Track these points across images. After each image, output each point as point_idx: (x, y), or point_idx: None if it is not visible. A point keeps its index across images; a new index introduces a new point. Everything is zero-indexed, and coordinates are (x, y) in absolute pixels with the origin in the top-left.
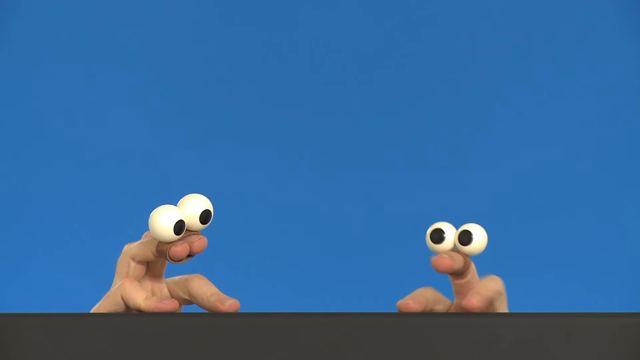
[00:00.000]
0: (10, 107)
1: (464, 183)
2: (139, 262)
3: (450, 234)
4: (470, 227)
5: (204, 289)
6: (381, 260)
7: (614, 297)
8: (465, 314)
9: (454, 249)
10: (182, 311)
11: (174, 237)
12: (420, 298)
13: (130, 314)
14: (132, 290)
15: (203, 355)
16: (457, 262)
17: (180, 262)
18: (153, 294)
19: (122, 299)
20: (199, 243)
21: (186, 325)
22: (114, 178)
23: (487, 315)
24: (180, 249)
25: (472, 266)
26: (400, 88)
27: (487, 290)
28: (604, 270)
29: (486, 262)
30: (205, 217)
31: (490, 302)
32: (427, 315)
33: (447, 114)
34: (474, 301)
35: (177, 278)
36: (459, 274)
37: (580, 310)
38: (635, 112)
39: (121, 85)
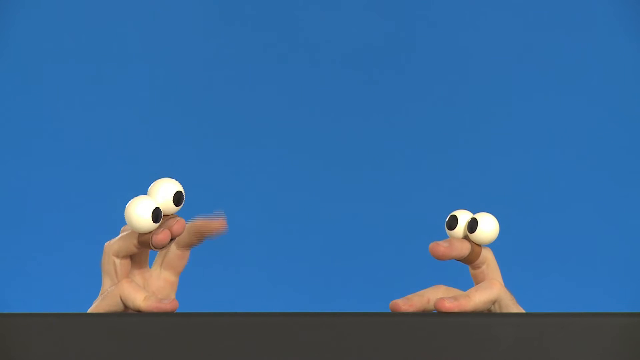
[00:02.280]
0: (10, 107)
1: (464, 183)
2: (123, 257)
3: (464, 221)
4: (480, 215)
5: (133, 297)
6: (381, 260)
7: (614, 296)
8: (465, 314)
9: (463, 238)
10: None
11: (154, 226)
12: (416, 299)
13: (130, 314)
14: (131, 290)
15: (203, 355)
16: (456, 250)
17: (164, 249)
18: (144, 286)
19: (121, 300)
20: (178, 225)
21: (186, 325)
22: (114, 178)
23: (487, 315)
24: (162, 237)
25: (489, 258)
26: (401, 88)
27: (469, 301)
28: (604, 270)
29: None
30: (177, 198)
31: (482, 311)
32: (427, 316)
33: (447, 114)
34: (446, 303)
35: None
36: (470, 262)
37: (581, 310)
38: (636, 111)
39: (121, 86)
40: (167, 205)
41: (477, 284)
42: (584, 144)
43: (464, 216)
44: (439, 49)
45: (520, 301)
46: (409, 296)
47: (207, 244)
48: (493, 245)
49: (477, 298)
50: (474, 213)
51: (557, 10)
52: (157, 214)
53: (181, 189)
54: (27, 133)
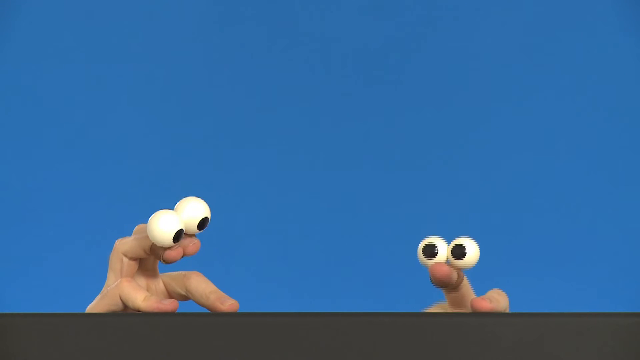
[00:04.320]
0: (10, 107)
1: (464, 183)
2: (132, 258)
3: (443, 248)
4: (463, 240)
5: (203, 286)
6: (381, 260)
7: (614, 297)
8: (465, 314)
9: (446, 263)
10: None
11: (172, 244)
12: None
13: (130, 314)
14: (131, 290)
15: (203, 355)
16: (453, 276)
17: (172, 263)
18: (148, 289)
19: (121, 299)
20: (193, 247)
21: (186, 325)
22: (114, 178)
23: (487, 315)
24: (174, 254)
25: (465, 279)
26: (400, 89)
27: (499, 305)
28: (604, 270)
29: (487, 262)
30: (202, 223)
31: None
32: (427, 315)
33: (447, 115)
34: (486, 303)
35: (174, 273)
36: (452, 287)
37: (581, 311)
38: (636, 111)
39: (122, 86)
40: (189, 224)
41: (455, 305)
42: (585, 145)
43: (440, 243)
44: (438, 50)
45: (520, 302)
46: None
47: (206, 245)
48: (488, 249)
49: (501, 301)
50: (447, 239)
51: (556, 10)
52: (179, 235)
53: (209, 216)
54: (27, 133)
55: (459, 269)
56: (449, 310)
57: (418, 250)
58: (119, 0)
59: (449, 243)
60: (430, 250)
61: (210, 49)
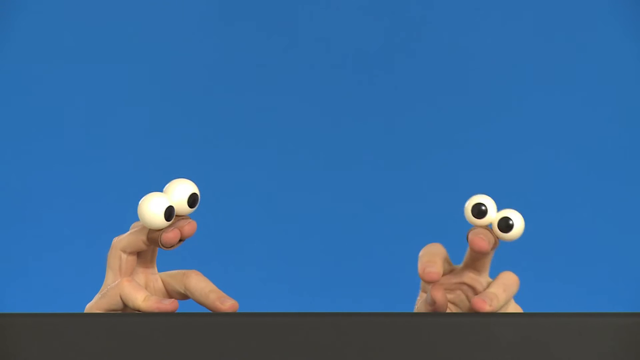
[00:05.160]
0: (10, 107)
1: (463, 184)
2: (130, 253)
3: (492, 210)
4: (512, 214)
5: (202, 285)
6: (381, 260)
7: (614, 297)
8: (465, 314)
9: (489, 228)
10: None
11: (165, 223)
12: (439, 264)
13: (130, 314)
14: (131, 290)
15: (203, 355)
16: (490, 245)
17: (171, 248)
18: (146, 286)
19: (121, 299)
20: (189, 227)
21: (186, 325)
22: (114, 178)
23: (487, 315)
24: (171, 235)
25: None
26: (399, 88)
27: (498, 301)
28: (604, 270)
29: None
30: (192, 200)
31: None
32: (427, 315)
33: (446, 114)
34: (486, 307)
35: (173, 272)
36: (486, 254)
37: (581, 311)
38: (636, 111)
39: (121, 85)
40: (181, 205)
41: (469, 264)
42: (584, 145)
43: (490, 205)
44: (438, 50)
45: (520, 303)
46: (430, 261)
47: (206, 244)
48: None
49: (502, 299)
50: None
51: (557, 10)
52: (169, 212)
53: (197, 192)
54: (27, 133)
55: (498, 239)
56: (462, 268)
57: (465, 208)
58: (119, 0)
59: (497, 208)
60: (478, 209)
61: (210, 49)
